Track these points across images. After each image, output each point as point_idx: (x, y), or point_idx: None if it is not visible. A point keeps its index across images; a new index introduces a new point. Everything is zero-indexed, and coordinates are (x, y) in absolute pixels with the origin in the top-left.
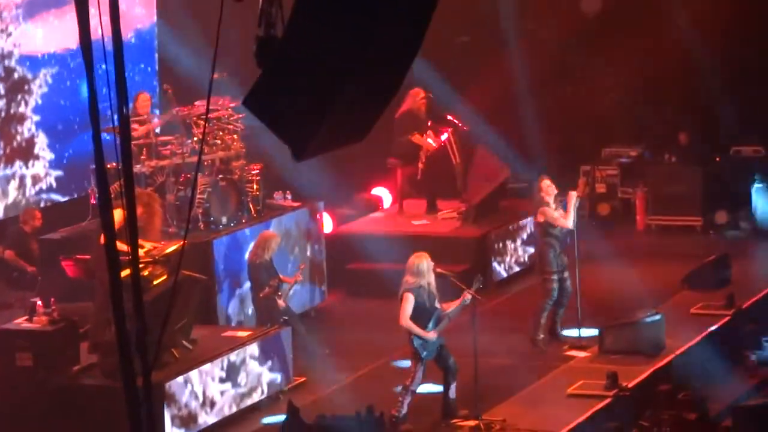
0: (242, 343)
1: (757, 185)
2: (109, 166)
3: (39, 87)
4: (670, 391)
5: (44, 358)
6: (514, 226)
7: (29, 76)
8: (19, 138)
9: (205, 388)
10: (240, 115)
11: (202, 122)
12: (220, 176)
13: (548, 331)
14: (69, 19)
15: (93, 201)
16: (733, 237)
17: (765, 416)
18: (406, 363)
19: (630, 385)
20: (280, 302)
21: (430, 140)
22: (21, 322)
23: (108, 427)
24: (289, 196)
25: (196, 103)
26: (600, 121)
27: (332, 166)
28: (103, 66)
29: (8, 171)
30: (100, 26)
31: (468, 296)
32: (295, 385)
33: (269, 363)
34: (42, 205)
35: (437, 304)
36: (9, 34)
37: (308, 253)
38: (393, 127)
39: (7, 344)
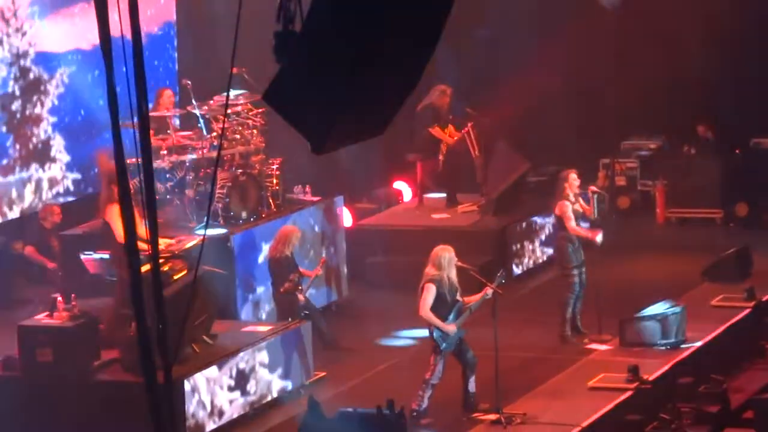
0: (263, 337)
1: None
2: (129, 161)
3: (56, 87)
4: (691, 384)
5: (65, 353)
6: (535, 225)
7: (45, 76)
8: (35, 140)
9: (227, 384)
10: (260, 110)
11: (221, 117)
12: (240, 171)
13: (570, 327)
14: (86, 16)
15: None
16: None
17: None
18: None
19: (651, 378)
20: (301, 297)
21: (450, 136)
22: (42, 318)
23: (129, 422)
24: (308, 191)
25: (215, 97)
26: (619, 113)
27: (352, 161)
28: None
29: (24, 174)
30: (119, 21)
31: (489, 290)
32: (316, 379)
33: (290, 357)
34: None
35: (458, 297)
36: (24, 33)
37: (328, 248)
38: (413, 121)
39: (27, 340)
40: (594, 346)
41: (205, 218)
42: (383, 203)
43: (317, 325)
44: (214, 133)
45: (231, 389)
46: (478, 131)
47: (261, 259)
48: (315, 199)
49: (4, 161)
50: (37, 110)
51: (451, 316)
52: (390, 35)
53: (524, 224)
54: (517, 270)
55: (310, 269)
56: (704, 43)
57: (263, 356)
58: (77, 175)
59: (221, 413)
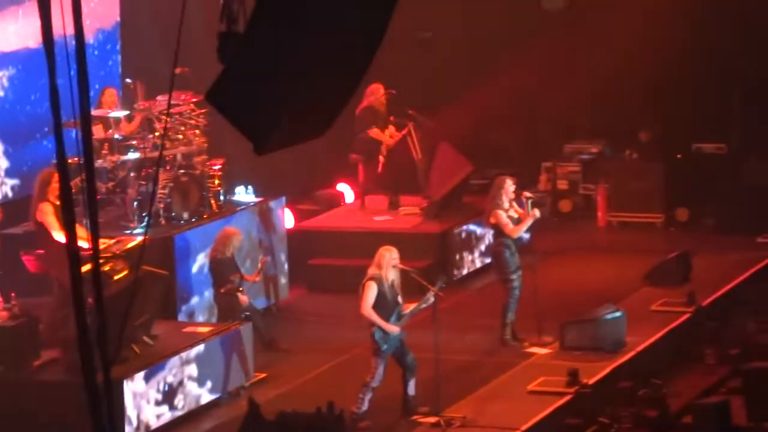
0: (202, 338)
1: None
2: (70, 161)
3: None
4: (631, 388)
5: (4, 353)
6: (474, 235)
7: None
8: None
9: (162, 386)
10: (202, 111)
11: (164, 117)
12: (182, 171)
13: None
14: (26, 17)
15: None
16: None
17: (724, 414)
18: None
19: (591, 382)
20: (243, 298)
21: (390, 137)
22: None
23: (69, 422)
24: (250, 192)
25: (158, 97)
26: (561, 117)
27: (294, 162)
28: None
29: None
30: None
31: (431, 296)
32: (256, 381)
33: (229, 358)
34: None
35: (400, 300)
36: None
37: (269, 249)
38: (354, 123)
39: None
40: (534, 349)
41: (146, 218)
42: (325, 205)
43: (257, 327)
44: (157, 134)
45: (170, 390)
46: (421, 133)
47: (202, 259)
48: (257, 200)
49: None
50: None
51: (392, 318)
52: (332, 36)
53: (463, 234)
54: (457, 273)
55: (251, 270)
56: (646, 48)
57: (203, 357)
58: (16, 181)
59: (159, 415)
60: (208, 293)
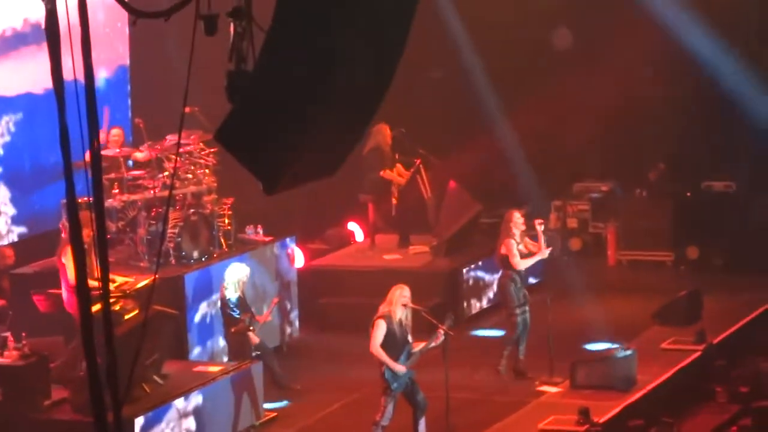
0: (213, 378)
1: None
2: (80, 200)
3: (1, 135)
4: (642, 427)
5: (15, 392)
6: (483, 282)
7: None
8: None
9: (173, 425)
10: (212, 150)
11: (173, 157)
12: (192, 210)
13: (512, 369)
14: (35, 60)
15: (64, 235)
16: None
17: None
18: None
19: (601, 421)
20: (254, 338)
21: (399, 175)
22: None
23: None
24: (260, 231)
25: (168, 137)
26: (571, 156)
27: (304, 201)
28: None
29: None
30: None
31: (441, 335)
32: (267, 420)
33: (241, 398)
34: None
35: (409, 339)
36: None
37: (280, 288)
38: (362, 164)
39: None
40: (545, 388)
41: (157, 258)
42: (335, 244)
43: (270, 365)
44: (166, 173)
45: (180, 429)
46: (430, 172)
47: (212, 299)
48: (267, 239)
49: None
50: None
51: (402, 358)
52: (343, 76)
53: (471, 281)
54: (468, 311)
55: (262, 308)
56: (656, 86)
57: (214, 396)
58: (23, 229)
59: None
60: (219, 332)
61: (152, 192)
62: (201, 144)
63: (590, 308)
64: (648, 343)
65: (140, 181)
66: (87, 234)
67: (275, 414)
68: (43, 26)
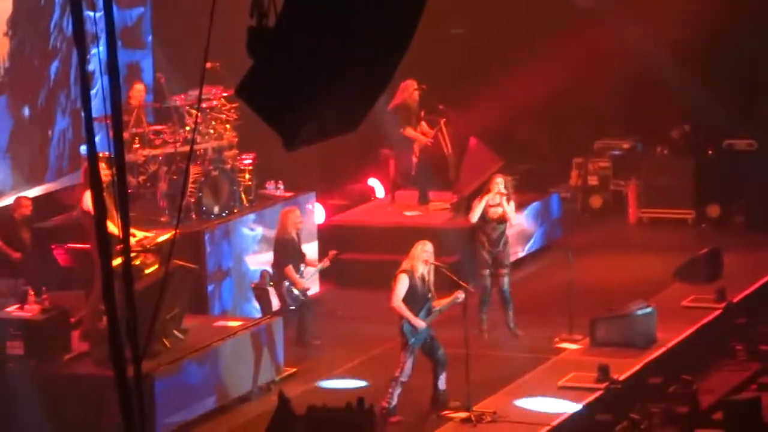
0: (233, 333)
1: None
2: (101, 155)
3: None
4: (661, 385)
5: (35, 346)
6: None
7: None
8: None
9: (193, 379)
10: (233, 105)
11: (194, 111)
12: (213, 166)
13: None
14: None
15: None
16: None
17: (755, 410)
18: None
19: (621, 378)
20: (302, 282)
21: (423, 134)
22: (12, 311)
23: (100, 415)
24: (281, 186)
25: (189, 92)
26: (592, 113)
27: (325, 157)
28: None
29: None
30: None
31: (461, 294)
32: (286, 375)
33: (260, 353)
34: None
35: (430, 295)
36: None
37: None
38: (385, 120)
39: None
40: (564, 345)
41: (177, 213)
42: (355, 200)
43: (305, 318)
44: (188, 128)
45: (200, 384)
46: (451, 129)
47: (235, 254)
48: (287, 194)
49: None
50: None
51: (422, 313)
52: (364, 31)
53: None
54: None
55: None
56: (678, 44)
57: (233, 351)
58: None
59: (191, 408)
60: (239, 286)
61: (173, 147)
62: (222, 99)
63: (610, 266)
64: (668, 300)
65: (161, 136)
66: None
67: (295, 369)
68: None
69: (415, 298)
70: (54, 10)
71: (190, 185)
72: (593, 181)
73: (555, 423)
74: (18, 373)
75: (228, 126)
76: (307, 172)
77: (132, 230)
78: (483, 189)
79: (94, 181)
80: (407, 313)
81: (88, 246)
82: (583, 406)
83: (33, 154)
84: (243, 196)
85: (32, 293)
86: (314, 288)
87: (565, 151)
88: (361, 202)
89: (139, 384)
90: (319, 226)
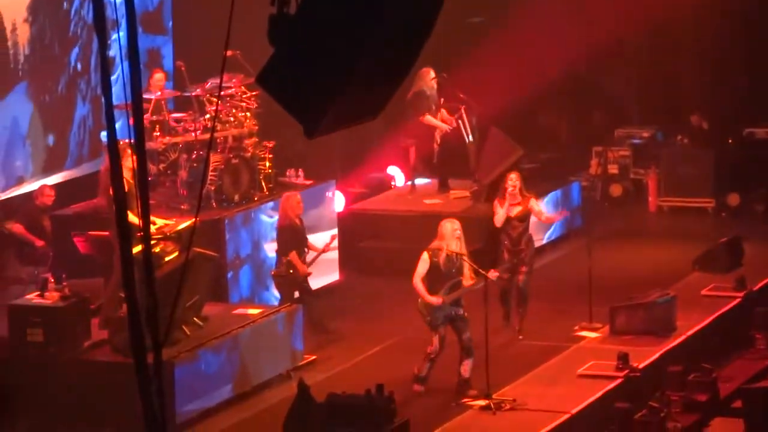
0: (253, 320)
1: None
2: (121, 142)
3: None
4: (681, 373)
5: (55, 333)
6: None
7: None
8: None
9: (213, 367)
10: (253, 93)
11: (215, 99)
12: (233, 154)
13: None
14: None
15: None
16: None
17: None
18: None
19: (641, 366)
20: (302, 267)
21: (443, 121)
22: (32, 298)
23: (118, 403)
24: (301, 174)
25: (209, 80)
26: (613, 102)
27: (345, 145)
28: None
29: None
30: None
31: (480, 280)
32: (306, 363)
33: (280, 341)
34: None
35: (463, 273)
36: None
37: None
38: (405, 108)
39: (18, 319)
40: (584, 333)
41: (197, 200)
42: (375, 188)
43: (311, 305)
44: (208, 116)
45: (220, 372)
46: (471, 116)
47: (255, 242)
48: (307, 182)
49: None
50: None
51: (443, 291)
52: (386, 19)
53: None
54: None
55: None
56: (698, 33)
57: (253, 339)
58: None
59: (211, 395)
60: (260, 274)
61: (193, 135)
62: (242, 87)
63: (630, 254)
64: (688, 289)
65: (182, 124)
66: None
67: (314, 357)
68: None
69: (438, 277)
70: None
71: (210, 173)
72: (613, 169)
73: (574, 411)
74: (38, 360)
75: (248, 114)
76: (328, 160)
77: (152, 218)
78: (500, 187)
79: (114, 168)
80: (422, 290)
81: (107, 233)
82: (603, 394)
83: (53, 141)
84: (263, 184)
85: (52, 280)
86: (334, 276)
87: (585, 139)
88: (381, 190)
89: (158, 371)
90: (339, 214)
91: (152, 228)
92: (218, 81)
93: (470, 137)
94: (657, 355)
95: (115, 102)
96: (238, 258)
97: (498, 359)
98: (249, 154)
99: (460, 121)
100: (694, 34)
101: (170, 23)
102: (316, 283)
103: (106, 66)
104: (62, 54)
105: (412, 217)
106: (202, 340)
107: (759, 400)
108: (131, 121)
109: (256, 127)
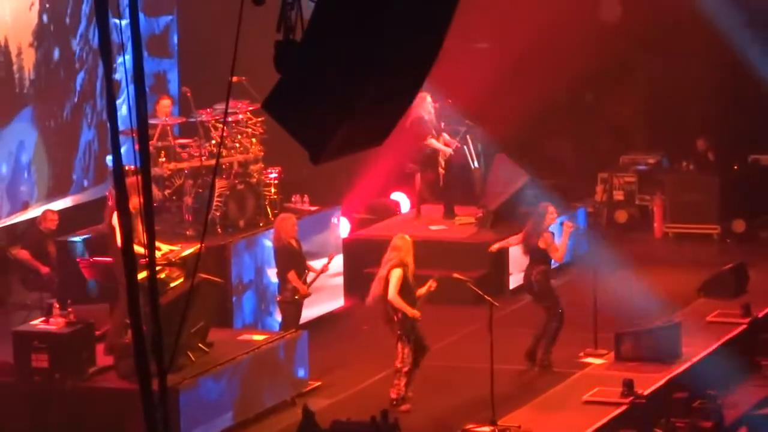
0: (258, 346)
1: None
2: (127, 168)
3: None
4: (686, 399)
5: (60, 359)
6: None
7: None
8: None
9: (218, 393)
10: (259, 119)
11: (220, 125)
12: (238, 180)
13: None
14: None
15: (110, 203)
16: None
17: None
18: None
19: (646, 393)
20: (303, 288)
21: (447, 143)
22: (38, 324)
23: (123, 429)
24: (306, 200)
25: (215, 106)
26: (618, 128)
27: (350, 171)
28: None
29: None
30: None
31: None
32: (311, 389)
33: (285, 367)
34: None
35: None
36: None
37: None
38: (408, 136)
39: (23, 345)
40: (589, 359)
41: (203, 226)
42: (381, 214)
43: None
44: (213, 142)
45: (225, 398)
46: (476, 142)
47: (258, 267)
48: (313, 208)
49: None
50: None
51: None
52: (390, 47)
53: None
54: (513, 283)
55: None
56: (704, 59)
57: (259, 365)
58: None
59: (216, 422)
60: (265, 300)
61: (199, 161)
62: (248, 113)
63: (636, 280)
64: (693, 315)
65: (187, 150)
66: (134, 202)
67: (319, 383)
68: None
69: (408, 290)
70: (80, 20)
71: (215, 199)
72: (619, 195)
73: None
74: (43, 386)
75: (254, 140)
76: (333, 186)
77: (157, 244)
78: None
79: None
80: (404, 306)
81: (110, 259)
82: (608, 421)
83: (58, 166)
84: (268, 209)
85: (57, 306)
86: (339, 302)
87: (591, 165)
88: (386, 217)
89: (163, 398)
90: (344, 239)
91: (157, 254)
92: (224, 107)
93: (476, 163)
94: (662, 382)
95: (120, 127)
96: (241, 283)
97: (503, 385)
98: (254, 180)
99: (465, 147)
100: (700, 61)
101: (176, 47)
102: (320, 309)
103: (111, 91)
104: (68, 79)
105: (418, 244)
106: (207, 366)
107: (764, 427)
108: (137, 147)
109: (262, 153)
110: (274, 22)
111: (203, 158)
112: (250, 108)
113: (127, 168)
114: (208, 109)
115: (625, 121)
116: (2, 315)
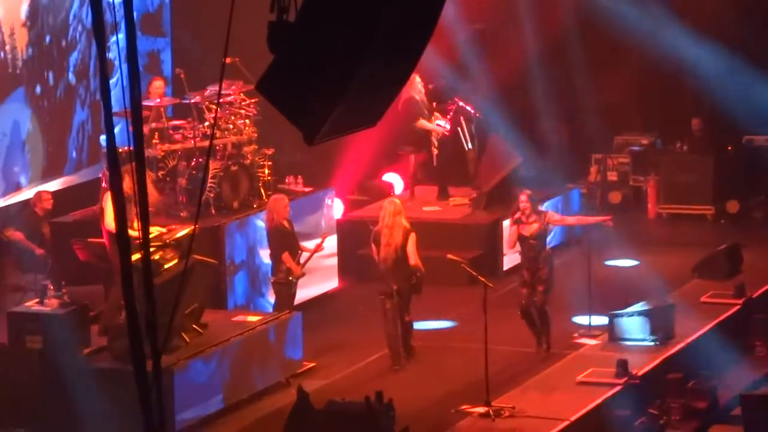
0: (252, 327)
1: None
2: (120, 149)
3: None
4: (680, 380)
5: (54, 341)
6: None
7: None
8: None
9: (212, 374)
10: (252, 100)
11: (214, 107)
12: (232, 161)
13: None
14: None
15: (104, 184)
16: None
17: None
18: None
19: (640, 373)
20: (297, 268)
21: (438, 124)
22: (32, 305)
23: (117, 410)
24: (300, 182)
25: (209, 87)
26: (612, 109)
27: (344, 152)
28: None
29: None
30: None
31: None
32: (305, 370)
33: (279, 348)
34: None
35: None
36: None
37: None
38: (400, 117)
39: (17, 327)
40: (583, 340)
41: (197, 207)
42: (374, 195)
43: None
44: (207, 123)
45: (219, 379)
46: (470, 124)
47: (251, 248)
48: (306, 189)
49: None
50: None
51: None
52: (384, 26)
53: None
54: (507, 264)
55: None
56: (697, 40)
57: (253, 346)
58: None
59: (210, 403)
60: (259, 281)
61: (192, 142)
62: (242, 94)
63: (630, 261)
64: (687, 296)
65: (181, 131)
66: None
67: (313, 364)
68: None
69: None
70: (73, 0)
71: (209, 180)
72: (612, 176)
73: (573, 418)
74: (37, 367)
75: (247, 121)
76: (327, 167)
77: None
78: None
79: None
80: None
81: (105, 241)
82: (602, 402)
83: (52, 146)
84: (262, 191)
85: (51, 288)
86: (333, 283)
87: (585, 146)
88: (380, 198)
89: (157, 379)
90: (338, 221)
91: (151, 235)
92: (217, 88)
93: (469, 145)
94: (656, 363)
95: (114, 107)
96: (233, 264)
97: (497, 366)
98: (248, 161)
99: (459, 129)
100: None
101: (170, 26)
102: (315, 290)
103: (105, 73)
104: (61, 59)
105: (412, 225)
106: (202, 347)
107: (758, 408)
108: (131, 129)
109: (256, 135)
110: (268, 3)
111: (197, 140)
112: (244, 89)
113: (120, 150)
114: (202, 91)
115: (618, 101)
116: None
